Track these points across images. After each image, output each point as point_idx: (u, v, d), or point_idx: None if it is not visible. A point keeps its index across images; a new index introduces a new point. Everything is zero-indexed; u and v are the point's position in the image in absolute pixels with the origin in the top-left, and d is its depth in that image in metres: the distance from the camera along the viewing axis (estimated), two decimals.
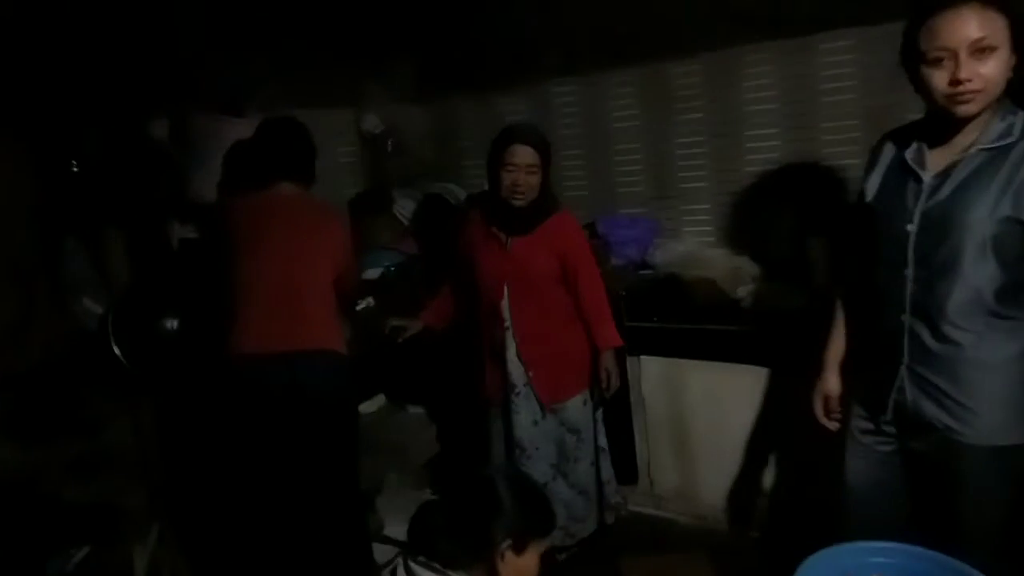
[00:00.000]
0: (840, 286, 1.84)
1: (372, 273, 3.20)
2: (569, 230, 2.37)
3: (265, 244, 2.26)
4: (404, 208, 3.45)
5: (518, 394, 2.37)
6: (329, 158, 3.39)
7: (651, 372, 2.69)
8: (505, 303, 2.33)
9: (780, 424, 2.47)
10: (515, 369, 2.37)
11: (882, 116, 2.60)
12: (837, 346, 1.83)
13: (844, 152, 2.73)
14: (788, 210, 2.84)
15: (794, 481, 2.48)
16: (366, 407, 3.08)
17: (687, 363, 2.62)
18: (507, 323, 2.34)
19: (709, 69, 2.95)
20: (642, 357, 2.69)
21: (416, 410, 3.05)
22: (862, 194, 1.72)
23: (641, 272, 3.02)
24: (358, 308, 3.09)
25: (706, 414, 2.62)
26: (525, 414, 2.39)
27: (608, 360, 2.37)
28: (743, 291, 2.66)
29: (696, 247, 3.00)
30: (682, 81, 3.02)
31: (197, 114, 2.70)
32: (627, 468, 2.77)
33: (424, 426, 2.97)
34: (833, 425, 1.86)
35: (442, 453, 2.95)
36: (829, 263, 2.63)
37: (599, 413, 2.51)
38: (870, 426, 1.73)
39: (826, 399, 1.85)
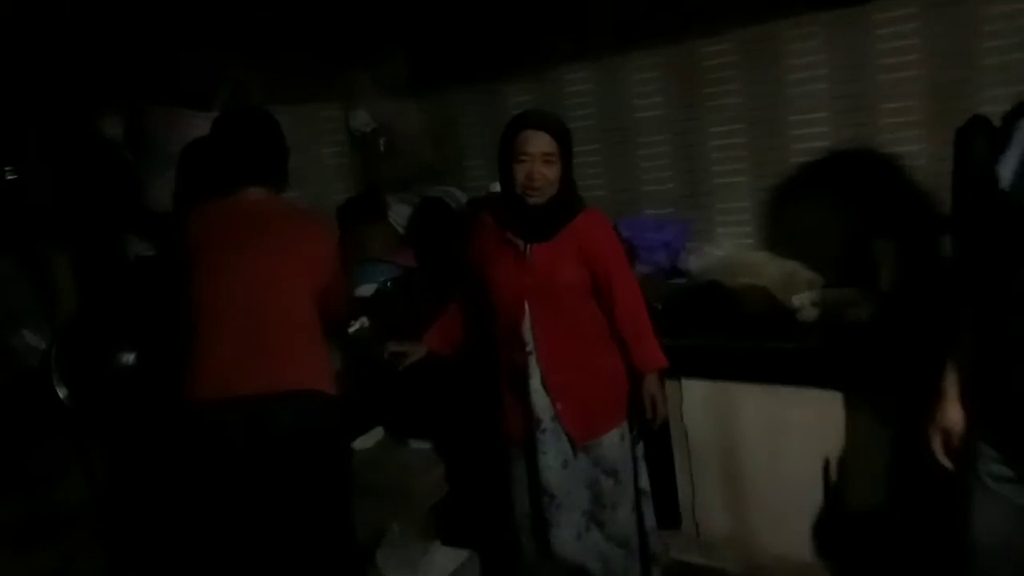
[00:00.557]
0: (962, 295, 1.47)
1: (365, 290, 2.81)
2: (599, 232, 2.00)
3: (229, 261, 1.86)
4: (400, 215, 3.07)
5: (544, 431, 1.99)
6: (315, 160, 3.03)
7: (695, 398, 2.30)
8: (526, 323, 1.96)
9: (856, 459, 2.09)
10: (540, 401, 1.98)
11: (951, 94, 2.28)
12: (960, 369, 1.47)
13: (907, 137, 2.37)
14: (844, 206, 2.48)
15: (878, 530, 2.09)
16: (361, 443, 2.68)
17: (738, 387, 2.24)
18: (529, 346, 1.97)
19: (744, 48, 2.59)
20: (684, 380, 2.30)
21: (421, 445, 2.65)
22: (991, 180, 1.35)
23: (673, 281, 2.64)
24: (350, 331, 2.71)
25: (761, 446, 2.24)
26: (553, 454, 2.00)
27: (652, 384, 2.00)
28: (799, 300, 2.29)
29: (737, 251, 2.63)
30: (713, 62, 2.66)
31: (155, 108, 2.31)
32: (668, 510, 2.38)
33: (431, 464, 2.58)
34: (952, 466, 1.49)
35: (452, 496, 2.56)
36: (896, 265, 2.28)
37: (639, 448, 2.13)
38: (1008, 472, 1.36)
39: (947, 435, 1.48)
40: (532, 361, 1.97)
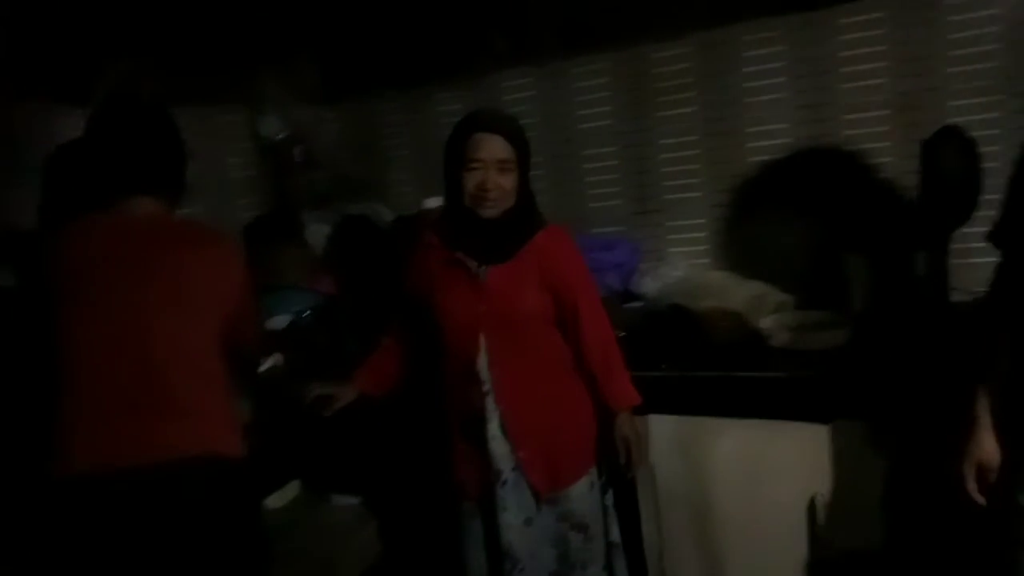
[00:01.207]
0: (999, 317, 1.28)
1: (278, 322, 2.42)
2: (563, 251, 1.72)
3: (111, 293, 1.45)
4: (317, 234, 2.71)
5: (504, 483, 1.68)
6: (217, 170, 2.63)
7: (662, 434, 2.05)
8: (482, 358, 1.66)
9: (844, 497, 1.89)
10: (499, 449, 1.67)
11: (919, 103, 2.16)
12: (994, 396, 1.28)
13: (873, 149, 2.24)
14: (808, 221, 2.33)
15: None
16: (274, 501, 2.28)
17: (709, 421, 1.99)
18: (486, 385, 1.66)
19: (700, 53, 2.41)
20: (649, 416, 2.05)
21: (346, 501, 2.27)
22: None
23: (628, 305, 2.41)
24: (262, 370, 2.32)
25: (737, 487, 2.00)
26: (514, 510, 1.69)
27: (627, 425, 1.74)
28: (769, 324, 2.09)
29: (697, 272, 2.43)
30: (666, 68, 2.47)
31: (18, 103, 1.88)
32: (632, 561, 2.10)
33: (359, 523, 2.20)
34: (987, 501, 1.31)
35: (387, 562, 2.19)
36: (868, 283, 2.12)
37: (609, 497, 1.85)
38: None
39: (981, 468, 1.30)
40: (490, 402, 1.66)
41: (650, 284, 2.41)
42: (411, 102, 2.88)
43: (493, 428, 1.67)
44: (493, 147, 1.60)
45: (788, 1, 2.24)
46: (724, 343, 2.06)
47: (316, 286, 2.56)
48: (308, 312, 2.47)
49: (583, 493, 1.75)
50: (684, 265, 2.46)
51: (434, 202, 2.60)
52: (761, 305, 2.09)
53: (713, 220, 2.50)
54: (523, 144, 1.65)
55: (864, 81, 2.21)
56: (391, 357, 1.87)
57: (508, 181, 1.62)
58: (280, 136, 2.69)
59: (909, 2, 2.12)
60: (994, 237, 1.33)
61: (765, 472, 1.96)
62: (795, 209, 2.36)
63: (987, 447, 1.31)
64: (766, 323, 2.10)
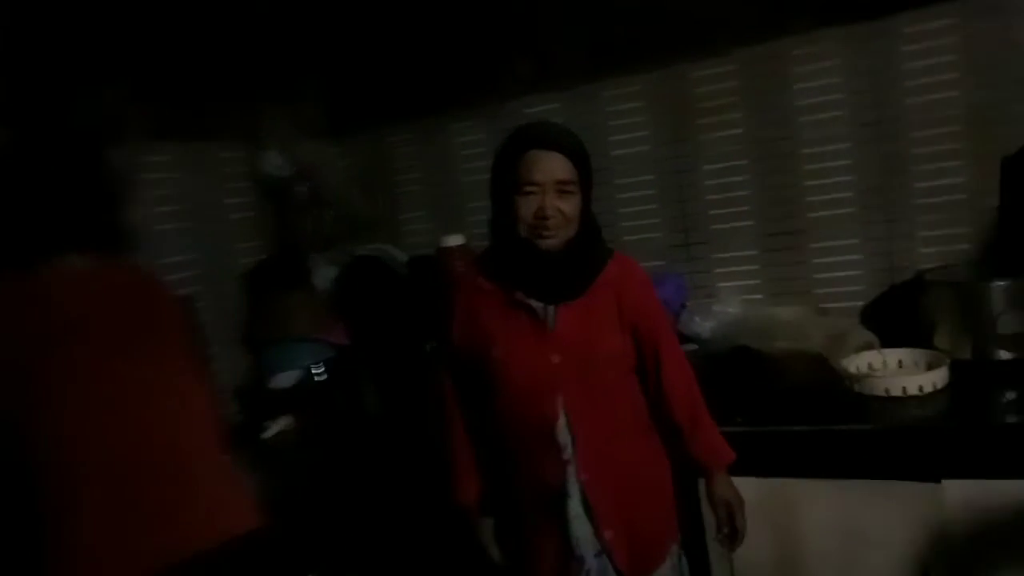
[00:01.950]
0: None
1: (285, 379, 2.15)
2: (639, 284, 1.48)
3: (71, 382, 1.15)
4: (326, 279, 2.44)
5: (588, 572, 1.39)
6: (213, 212, 2.37)
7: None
8: (562, 421, 1.38)
9: (960, 565, 1.62)
10: (581, 530, 1.38)
11: (997, 117, 1.96)
12: None
13: (944, 168, 2.03)
14: (875, 246, 2.10)
15: None
16: None
17: (796, 484, 1.73)
18: (567, 453, 1.38)
19: (746, 70, 2.21)
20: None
21: None
22: None
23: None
24: (266, 436, 2.04)
25: (831, 558, 1.74)
26: None
27: (724, 487, 1.49)
28: (853, 366, 1.84)
29: (753, 308, 2.19)
30: (709, 88, 2.26)
31: None
32: None
33: None
34: None
35: None
36: (954, 318, 1.89)
37: (684, 564, 1.57)
38: None
39: None
40: (571, 473, 1.38)
41: (702, 324, 2.16)
42: (424, 133, 2.66)
43: (575, 505, 1.37)
44: (552, 166, 1.35)
45: (843, 11, 2.05)
46: (803, 390, 1.81)
47: (327, 337, 2.30)
48: (320, 367, 2.20)
49: (667, 574, 1.48)
50: (737, 301, 2.22)
51: (454, 240, 2.36)
52: (842, 345, 1.84)
53: (767, 251, 2.26)
54: (585, 162, 1.40)
55: (933, 95, 2.01)
56: (463, 428, 1.54)
57: (570, 206, 1.36)
58: (283, 173, 2.43)
59: (980, 6, 1.93)
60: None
61: (865, 541, 1.69)
62: (861, 235, 2.14)
63: None
64: (850, 365, 1.85)
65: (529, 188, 1.35)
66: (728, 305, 2.17)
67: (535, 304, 1.40)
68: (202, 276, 2.25)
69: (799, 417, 1.74)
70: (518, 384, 1.39)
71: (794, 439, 1.72)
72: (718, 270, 2.34)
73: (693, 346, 2.14)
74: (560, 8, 2.36)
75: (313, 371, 2.16)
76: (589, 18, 2.34)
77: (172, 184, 2.22)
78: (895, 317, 2.08)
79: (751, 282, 2.30)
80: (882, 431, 1.65)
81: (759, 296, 2.29)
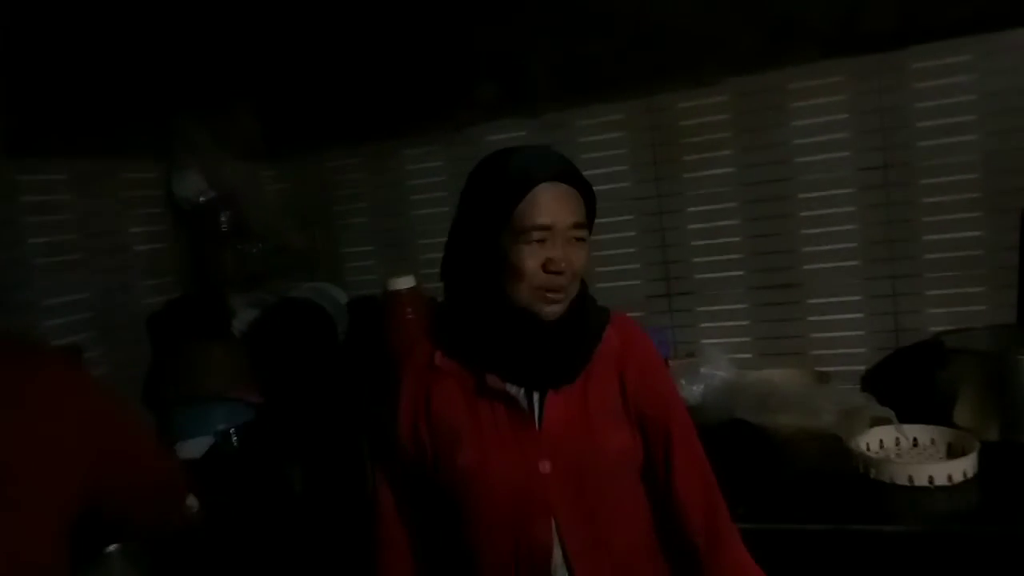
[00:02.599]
0: None
1: (195, 447, 1.78)
2: (642, 355, 1.14)
3: None
4: (248, 325, 2.08)
5: None
6: (113, 242, 1.98)
7: None
8: (557, 555, 1.05)
9: None
10: None
11: (1012, 164, 1.76)
12: None
13: (959, 221, 1.82)
14: (880, 306, 1.88)
15: None
16: None
17: None
18: None
19: (738, 102, 1.98)
20: None
21: None
22: None
23: None
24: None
25: None
26: None
27: None
28: (869, 448, 1.59)
29: (746, 373, 1.92)
30: (696, 120, 2.01)
31: None
32: None
33: None
34: None
35: None
36: (977, 390, 1.66)
37: None
38: None
39: None
40: None
41: (689, 388, 1.88)
42: (373, 158, 2.34)
43: None
44: (567, 206, 1.03)
45: (851, 42, 1.84)
46: (814, 477, 1.54)
47: (247, 396, 1.93)
48: (234, 432, 1.83)
49: None
50: (726, 362, 1.95)
51: (403, 282, 2.03)
52: (856, 422, 1.58)
53: (758, 306, 2.01)
54: (593, 197, 1.10)
55: (947, 138, 1.80)
56: (403, 557, 1.17)
57: (581, 257, 1.07)
58: (202, 198, 2.07)
59: (1000, 43, 1.74)
60: None
61: None
62: (863, 292, 1.91)
63: None
64: (862, 445, 1.60)
65: (538, 235, 1.02)
66: (717, 367, 1.90)
67: (514, 391, 1.07)
68: (96, 320, 1.87)
69: (813, 512, 1.46)
70: (495, 503, 1.05)
71: (808, 540, 1.44)
72: (703, 325, 2.08)
73: None
74: (529, 24, 2.10)
75: (225, 437, 1.79)
76: (562, 35, 2.08)
77: (63, 208, 1.83)
78: (900, 385, 1.85)
79: (739, 339, 2.05)
80: (918, 535, 1.38)
81: (748, 355, 2.03)
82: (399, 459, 1.14)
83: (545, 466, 1.04)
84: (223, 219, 2.08)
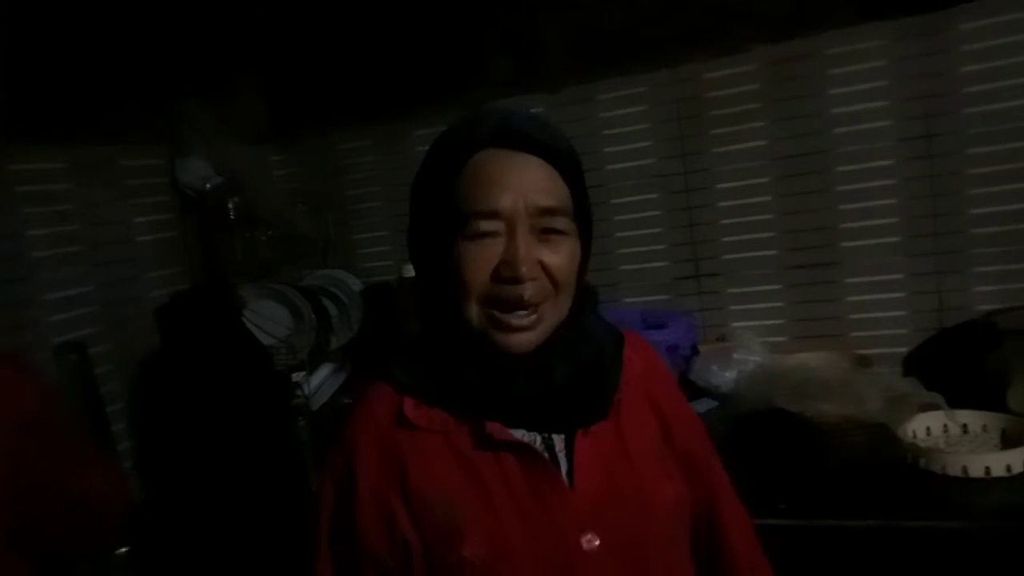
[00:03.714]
0: None
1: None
2: (667, 378, 0.95)
3: None
4: (263, 316, 2.00)
5: None
6: (117, 231, 1.91)
7: None
8: None
9: None
10: None
11: None
12: None
13: (1006, 193, 1.70)
14: (924, 283, 1.77)
15: None
16: None
17: None
18: None
19: (771, 71, 1.86)
20: None
21: None
22: None
23: (695, 406, 1.78)
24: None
25: None
26: None
27: None
28: (918, 436, 1.50)
29: (782, 358, 1.83)
30: (725, 91, 1.90)
31: None
32: None
33: None
34: None
35: None
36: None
37: None
38: None
39: None
40: None
41: (720, 374, 1.79)
42: (385, 139, 2.24)
43: None
44: (526, 183, 0.75)
45: (891, 3, 1.72)
46: (861, 469, 1.45)
47: None
48: None
49: None
50: (759, 346, 1.86)
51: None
52: (903, 409, 1.49)
53: (792, 286, 1.91)
54: (581, 179, 0.81)
55: (994, 104, 1.68)
56: None
57: (560, 256, 0.77)
58: (208, 185, 1.99)
59: None
60: None
61: None
62: (904, 269, 1.80)
63: None
64: (910, 432, 1.50)
65: (487, 224, 0.74)
66: (750, 352, 1.81)
67: (528, 438, 0.78)
68: (101, 314, 1.79)
69: (861, 507, 1.37)
70: None
71: (856, 536, 1.36)
72: (733, 307, 1.98)
73: (712, 402, 1.77)
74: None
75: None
76: (580, 4, 1.96)
77: (64, 197, 1.76)
78: (945, 368, 1.75)
79: (772, 322, 1.94)
80: (976, 531, 1.29)
81: (781, 338, 1.93)
82: (359, 566, 0.78)
83: (591, 541, 0.75)
84: (230, 206, 2.00)
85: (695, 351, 1.90)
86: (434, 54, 2.12)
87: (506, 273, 0.73)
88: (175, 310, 1.91)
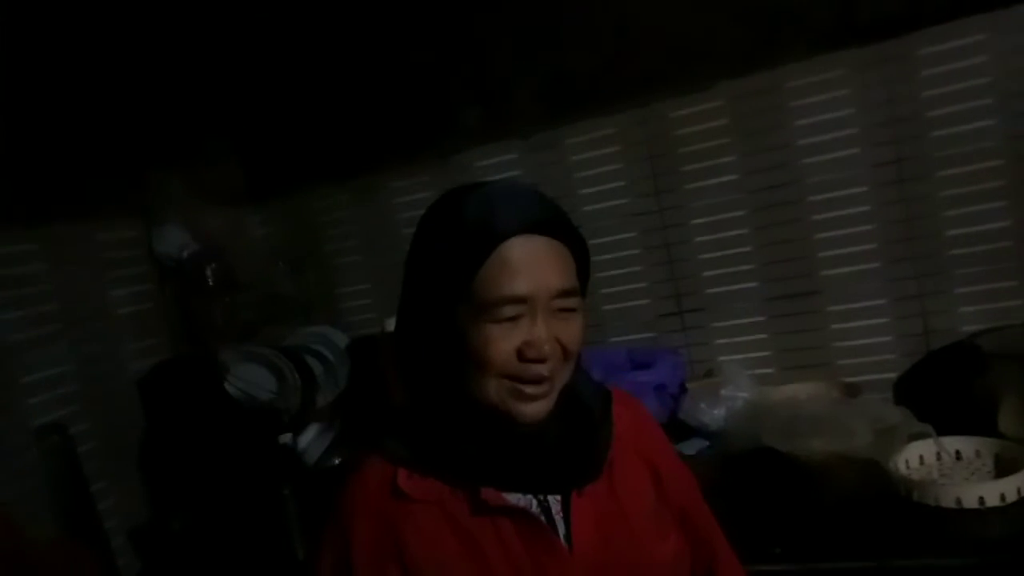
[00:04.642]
0: None
1: None
2: (656, 431, 0.97)
3: None
4: (245, 381, 1.99)
5: None
6: (94, 309, 1.90)
7: None
8: None
9: None
10: None
11: None
12: None
13: (983, 212, 1.69)
14: (907, 309, 1.76)
15: None
16: None
17: None
18: None
19: (736, 105, 1.87)
20: None
21: None
22: None
23: (679, 447, 1.75)
24: None
25: None
26: None
27: None
28: (908, 467, 1.48)
29: (769, 391, 1.81)
30: (694, 128, 1.90)
31: None
32: None
33: None
34: None
35: None
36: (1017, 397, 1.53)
37: None
38: None
39: None
40: None
41: (709, 412, 1.77)
42: (360, 193, 2.25)
43: None
44: (549, 269, 0.78)
45: (848, 32, 1.73)
46: (852, 506, 1.42)
47: None
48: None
49: None
50: (747, 380, 1.84)
51: None
52: (892, 440, 1.47)
53: (775, 317, 1.90)
54: (585, 250, 0.85)
55: (963, 125, 1.68)
56: None
57: (571, 332, 0.81)
58: (185, 252, 1.99)
59: (1013, 19, 1.62)
60: None
61: None
62: (887, 294, 1.79)
63: None
64: (901, 464, 1.48)
65: (512, 310, 0.77)
66: (738, 388, 1.79)
67: (523, 503, 0.80)
68: (82, 392, 1.78)
69: (855, 547, 1.34)
70: None
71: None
72: (719, 341, 1.97)
73: (703, 442, 1.75)
74: (512, 41, 2.00)
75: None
76: (544, 53, 1.98)
77: (37, 279, 1.75)
78: (934, 392, 1.73)
79: (759, 354, 1.93)
80: (972, 568, 1.26)
81: (769, 370, 1.92)
82: None
83: None
84: (208, 272, 2.00)
85: (683, 389, 1.88)
86: (404, 106, 2.13)
87: (531, 355, 0.77)
88: (155, 382, 1.90)
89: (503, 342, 0.77)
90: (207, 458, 1.82)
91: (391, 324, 1.87)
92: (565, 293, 0.79)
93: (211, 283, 2.02)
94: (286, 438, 1.92)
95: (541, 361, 0.77)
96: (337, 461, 1.98)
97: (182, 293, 2.03)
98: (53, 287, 1.77)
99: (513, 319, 0.77)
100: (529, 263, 0.77)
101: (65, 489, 1.65)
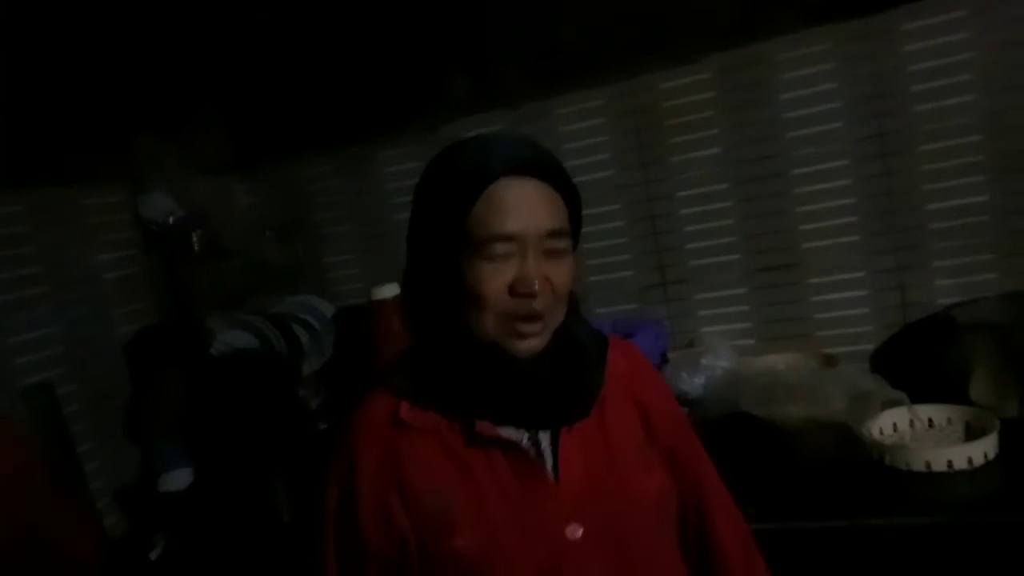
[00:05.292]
0: None
1: (178, 479, 1.71)
2: (654, 379, 1.00)
3: None
4: (229, 347, 2.00)
5: None
6: (81, 272, 1.90)
7: None
8: None
9: None
10: None
11: (1016, 123, 1.67)
12: None
13: (961, 186, 1.72)
14: (886, 280, 1.79)
15: None
16: None
17: None
18: None
19: (723, 78, 1.88)
20: None
21: None
22: None
23: None
24: (155, 555, 1.59)
25: None
26: None
27: None
28: (882, 433, 1.51)
29: (749, 360, 1.84)
30: (680, 100, 1.92)
31: None
32: None
33: None
34: None
35: None
36: (993, 365, 1.57)
37: None
38: None
39: None
40: None
41: (690, 380, 1.80)
42: (349, 163, 2.25)
43: None
44: (539, 207, 0.82)
45: (834, 7, 1.74)
46: (825, 469, 1.46)
47: None
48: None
49: None
50: (727, 350, 1.87)
51: (388, 290, 1.95)
52: (866, 406, 1.50)
53: (757, 289, 1.93)
54: (576, 194, 0.88)
55: (944, 100, 1.71)
56: None
57: (561, 272, 0.84)
58: (171, 218, 1.99)
59: None
60: None
61: None
62: (866, 267, 1.82)
63: None
64: (875, 430, 1.52)
65: (500, 248, 0.81)
66: (718, 357, 1.82)
67: (515, 436, 0.84)
68: (67, 354, 1.79)
69: (828, 508, 1.38)
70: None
71: (825, 537, 1.36)
72: (701, 313, 2.00)
73: (683, 409, 1.77)
74: (502, 12, 2.00)
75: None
76: (534, 23, 1.98)
77: (23, 241, 1.75)
78: (911, 363, 1.77)
79: (740, 325, 1.96)
80: (939, 526, 1.30)
81: (750, 341, 1.95)
82: (363, 561, 0.84)
83: (575, 531, 0.82)
84: (194, 239, 2.00)
85: (665, 359, 1.91)
86: (393, 77, 2.12)
87: (521, 289, 0.81)
88: (142, 345, 1.90)
89: (496, 278, 0.81)
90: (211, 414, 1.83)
91: (379, 293, 1.91)
92: (554, 234, 0.83)
93: (196, 250, 2.02)
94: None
95: (531, 296, 0.81)
96: (323, 427, 2.00)
97: (168, 259, 2.03)
98: (39, 250, 1.77)
99: (505, 256, 0.81)
100: (519, 203, 0.81)
101: (52, 449, 1.66)
